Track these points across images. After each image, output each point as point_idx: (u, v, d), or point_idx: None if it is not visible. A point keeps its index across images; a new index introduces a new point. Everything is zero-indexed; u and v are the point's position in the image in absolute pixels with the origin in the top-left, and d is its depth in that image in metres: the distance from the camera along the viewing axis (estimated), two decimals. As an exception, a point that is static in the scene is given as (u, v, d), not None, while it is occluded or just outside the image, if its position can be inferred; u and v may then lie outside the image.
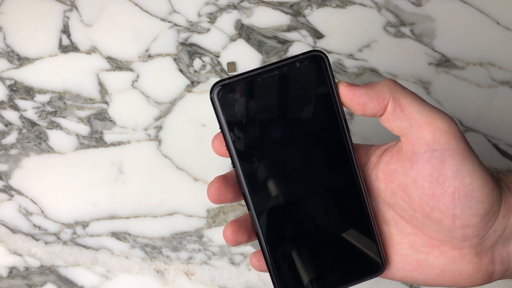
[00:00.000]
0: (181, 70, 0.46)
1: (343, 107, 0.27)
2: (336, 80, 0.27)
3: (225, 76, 0.38)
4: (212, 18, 0.47)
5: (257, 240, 0.28)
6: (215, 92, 0.26)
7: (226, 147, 0.27)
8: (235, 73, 0.41)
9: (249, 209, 0.28)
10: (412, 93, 0.26)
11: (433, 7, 0.47)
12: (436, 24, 0.47)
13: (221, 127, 0.27)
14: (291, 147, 0.27)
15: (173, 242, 0.44)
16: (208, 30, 0.47)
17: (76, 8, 0.48)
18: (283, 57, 0.46)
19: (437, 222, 0.26)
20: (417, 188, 0.26)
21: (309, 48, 0.46)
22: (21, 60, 0.47)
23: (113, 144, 0.46)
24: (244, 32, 0.47)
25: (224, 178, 0.28)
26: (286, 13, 0.47)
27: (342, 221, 0.28)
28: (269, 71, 0.26)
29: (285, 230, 0.28)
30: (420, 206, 0.26)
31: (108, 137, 0.46)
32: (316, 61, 0.26)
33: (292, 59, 0.26)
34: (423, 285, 0.28)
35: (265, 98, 0.26)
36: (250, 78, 0.26)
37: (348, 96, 0.26)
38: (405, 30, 0.47)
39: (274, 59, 0.46)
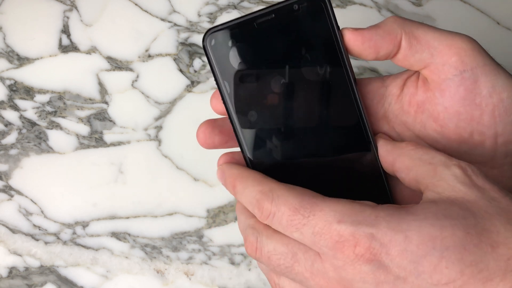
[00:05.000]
0: (181, 70, 0.46)
1: (349, 56, 0.26)
2: (340, 27, 0.25)
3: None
4: (212, 18, 0.47)
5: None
6: (208, 39, 0.25)
7: (221, 99, 0.26)
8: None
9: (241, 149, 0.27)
10: (421, 23, 0.25)
11: (433, 7, 0.47)
12: (436, 24, 0.47)
13: (214, 76, 0.26)
14: (290, 94, 0.26)
15: (173, 242, 0.44)
16: (208, 30, 0.47)
17: (76, 8, 0.48)
18: None
19: (478, 145, 0.25)
20: (452, 115, 0.24)
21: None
22: (21, 60, 0.47)
23: (113, 144, 0.46)
24: (244, 32, 0.47)
25: (212, 121, 0.27)
26: (286, 13, 0.47)
27: (346, 160, 0.27)
28: (264, 14, 0.25)
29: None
30: (457, 133, 0.25)
31: (108, 137, 0.46)
32: (315, 3, 0.25)
33: (289, 1, 0.25)
34: None
35: (261, 43, 0.25)
36: (245, 23, 0.25)
37: (358, 41, 0.24)
38: (405, 30, 0.47)
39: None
